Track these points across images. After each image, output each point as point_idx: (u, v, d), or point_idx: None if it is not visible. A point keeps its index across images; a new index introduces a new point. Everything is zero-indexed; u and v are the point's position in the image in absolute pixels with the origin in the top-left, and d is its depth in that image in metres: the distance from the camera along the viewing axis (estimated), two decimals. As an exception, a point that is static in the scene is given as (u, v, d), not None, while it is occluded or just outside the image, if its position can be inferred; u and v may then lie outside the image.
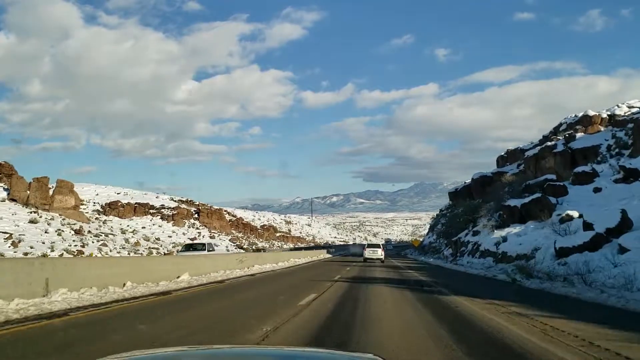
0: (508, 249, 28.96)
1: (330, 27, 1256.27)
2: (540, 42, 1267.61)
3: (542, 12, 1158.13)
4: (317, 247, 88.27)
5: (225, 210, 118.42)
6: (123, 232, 66.90)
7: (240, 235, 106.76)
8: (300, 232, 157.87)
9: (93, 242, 54.90)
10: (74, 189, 62.31)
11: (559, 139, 62.06)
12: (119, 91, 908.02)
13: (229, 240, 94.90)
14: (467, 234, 42.25)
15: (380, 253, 38.24)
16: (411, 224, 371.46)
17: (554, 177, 40.50)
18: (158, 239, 75.83)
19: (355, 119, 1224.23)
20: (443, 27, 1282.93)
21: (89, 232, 58.53)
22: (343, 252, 75.55)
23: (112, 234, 62.16)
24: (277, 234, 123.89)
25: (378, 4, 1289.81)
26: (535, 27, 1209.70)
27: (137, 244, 61.11)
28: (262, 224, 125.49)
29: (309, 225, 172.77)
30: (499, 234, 34.96)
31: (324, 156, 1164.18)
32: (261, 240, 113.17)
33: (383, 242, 75.18)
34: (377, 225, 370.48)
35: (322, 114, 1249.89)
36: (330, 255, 56.15)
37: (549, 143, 63.10)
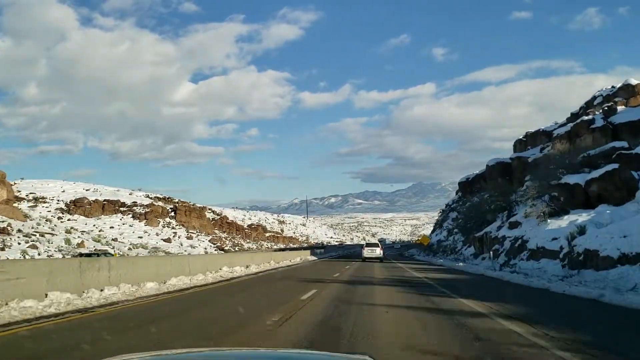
0: (594, 245, 17.06)
1: (327, 27, 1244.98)
2: (538, 41, 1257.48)
3: (539, 10, 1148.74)
4: (303, 247, 76.36)
5: (209, 209, 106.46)
6: (68, 232, 54.81)
7: (224, 235, 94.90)
8: (294, 233, 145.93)
9: (20, 244, 43.14)
10: (5, 179, 50.33)
11: (596, 113, 50.25)
12: (116, 94, 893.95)
13: (209, 241, 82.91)
14: (500, 227, 30.38)
15: (378, 252, 36.99)
16: (410, 224, 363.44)
17: (624, 143, 28.71)
18: (115, 239, 63.81)
19: (353, 120, 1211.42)
20: (440, 26, 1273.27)
21: (19, 231, 46.65)
22: (336, 253, 63.23)
23: (51, 234, 50.11)
24: (267, 234, 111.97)
25: (374, 4, 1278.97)
26: (533, 25, 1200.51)
27: (80, 245, 49.12)
28: (250, 224, 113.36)
29: (304, 225, 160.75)
30: (557, 223, 23.04)
31: (322, 157, 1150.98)
32: (248, 240, 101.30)
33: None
34: (375, 226, 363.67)
35: (320, 114, 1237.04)
36: (314, 258, 43.80)
37: (585, 117, 51.08)
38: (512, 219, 28.50)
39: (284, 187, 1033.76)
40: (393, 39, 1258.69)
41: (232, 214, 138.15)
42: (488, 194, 37.37)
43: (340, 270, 23.86)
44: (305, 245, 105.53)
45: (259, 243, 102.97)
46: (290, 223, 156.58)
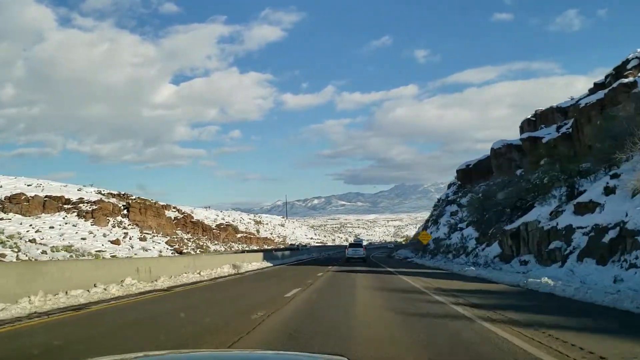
0: None
1: (309, 28, 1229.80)
2: (518, 43, 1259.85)
3: (520, 12, 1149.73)
4: (264, 250, 64.49)
5: (174, 208, 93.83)
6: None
7: (188, 236, 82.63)
8: (271, 233, 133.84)
9: None
10: None
11: (638, 75, 39.34)
12: (95, 95, 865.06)
13: (166, 242, 70.57)
14: (556, 212, 18.90)
15: (362, 252, 37.15)
16: (393, 225, 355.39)
17: None
18: (32, 240, 51.21)
19: (335, 121, 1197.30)
20: (421, 27, 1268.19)
21: None
22: (309, 255, 51.46)
23: None
24: (239, 235, 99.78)
25: (356, 5, 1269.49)
26: (514, 27, 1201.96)
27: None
28: (219, 224, 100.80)
29: (282, 225, 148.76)
30: None
31: (304, 159, 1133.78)
32: (216, 242, 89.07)
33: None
34: (358, 227, 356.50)
35: (303, 116, 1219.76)
36: (268, 264, 31.51)
37: (623, 80, 39.89)
38: (581, 199, 17.17)
39: (266, 189, 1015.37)
40: (375, 40, 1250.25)
41: (203, 214, 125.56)
42: (545, 160, 25.82)
43: (290, 289, 12.39)
44: (282, 246, 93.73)
45: (228, 245, 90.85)
46: (267, 223, 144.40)
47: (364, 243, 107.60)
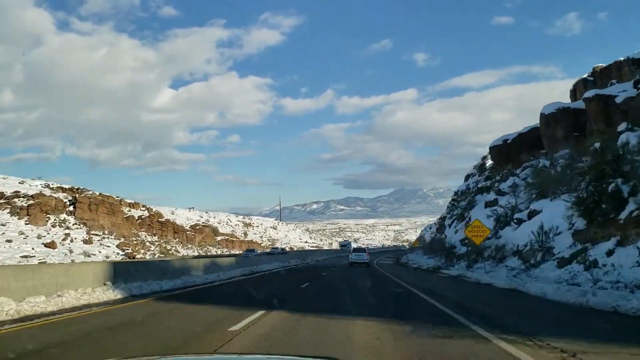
0: None
1: (308, 32, 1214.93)
2: (519, 46, 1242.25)
3: (520, 15, 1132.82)
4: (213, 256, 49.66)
5: (143, 206, 78.77)
6: None
7: (153, 239, 67.81)
8: (261, 237, 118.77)
9: None
10: None
11: None
12: (94, 100, 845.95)
13: (117, 246, 55.60)
14: None
15: (366, 257, 36.17)
16: (392, 230, 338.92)
17: None
18: None
19: (335, 126, 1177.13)
20: (421, 31, 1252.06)
21: None
22: (280, 265, 36.07)
23: None
24: (219, 238, 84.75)
25: (356, 9, 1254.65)
26: (514, 30, 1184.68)
27: None
28: (194, 224, 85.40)
29: (275, 228, 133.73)
30: None
31: (303, 163, 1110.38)
32: (190, 245, 74.18)
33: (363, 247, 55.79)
34: (357, 232, 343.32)
35: (302, 120, 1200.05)
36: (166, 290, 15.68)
37: None
38: None
39: (265, 193, 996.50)
40: (375, 44, 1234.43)
41: (185, 215, 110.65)
42: None
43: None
44: (267, 250, 78.79)
45: (205, 248, 75.99)
46: (258, 226, 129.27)
47: (353, 246, 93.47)
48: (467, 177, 64.66)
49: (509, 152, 38.57)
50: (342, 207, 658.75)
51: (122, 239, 58.19)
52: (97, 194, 65.31)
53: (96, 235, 56.93)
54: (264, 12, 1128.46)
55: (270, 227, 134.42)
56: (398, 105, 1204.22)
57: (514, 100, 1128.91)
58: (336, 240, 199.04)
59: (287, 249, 79.08)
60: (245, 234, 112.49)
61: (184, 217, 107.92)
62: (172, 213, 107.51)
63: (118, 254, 53.60)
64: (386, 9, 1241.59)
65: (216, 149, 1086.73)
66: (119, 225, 61.39)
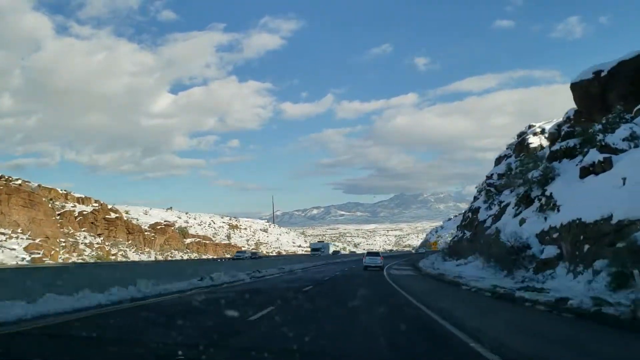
0: None
1: (308, 36, 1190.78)
2: (520, 50, 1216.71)
3: (521, 19, 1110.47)
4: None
5: (95, 202, 62.88)
6: None
7: (96, 240, 52.09)
8: (248, 240, 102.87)
9: None
10: None
11: None
12: (93, 104, 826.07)
13: (25, 248, 39.86)
14: None
15: (379, 261, 35.87)
16: (393, 235, 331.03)
17: None
18: None
19: (335, 130, 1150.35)
20: (422, 35, 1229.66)
21: None
22: (211, 282, 19.74)
23: None
24: (188, 240, 68.83)
25: (356, 12, 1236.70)
26: (515, 34, 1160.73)
27: None
28: (154, 223, 69.18)
29: (265, 231, 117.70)
30: None
31: (303, 168, 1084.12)
32: (148, 249, 58.37)
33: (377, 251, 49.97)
34: (357, 237, 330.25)
35: (302, 125, 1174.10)
36: None
37: None
38: None
39: (266, 198, 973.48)
40: (375, 48, 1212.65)
41: (160, 215, 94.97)
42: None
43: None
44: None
45: (169, 252, 60.24)
46: (246, 228, 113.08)
47: (332, 249, 77.74)
48: (499, 160, 48.96)
49: (605, 92, 22.68)
50: (343, 212, 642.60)
51: (40, 239, 42.28)
52: (7, 178, 48.24)
53: (3, 233, 41.10)
54: (263, 16, 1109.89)
55: (261, 229, 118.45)
56: (398, 109, 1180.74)
57: (515, 104, 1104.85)
58: (335, 245, 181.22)
59: (276, 254, 63.14)
60: (229, 237, 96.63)
61: (158, 217, 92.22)
62: (146, 213, 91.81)
63: (23, 258, 37.76)
64: (387, 13, 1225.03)
65: (216, 154, 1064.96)
66: (40, 221, 45.56)
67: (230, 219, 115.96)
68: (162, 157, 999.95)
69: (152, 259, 52.60)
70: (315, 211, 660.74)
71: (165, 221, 69.19)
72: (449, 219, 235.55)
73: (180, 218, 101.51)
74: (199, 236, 75.79)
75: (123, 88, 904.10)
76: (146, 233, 61.18)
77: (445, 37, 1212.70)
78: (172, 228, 68.41)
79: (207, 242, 73.05)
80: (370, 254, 38.98)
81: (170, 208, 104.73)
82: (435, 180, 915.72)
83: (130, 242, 56.84)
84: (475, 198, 47.02)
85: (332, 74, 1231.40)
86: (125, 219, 59.70)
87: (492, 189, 36.28)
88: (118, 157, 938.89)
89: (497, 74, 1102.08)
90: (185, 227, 76.04)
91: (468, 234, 39.82)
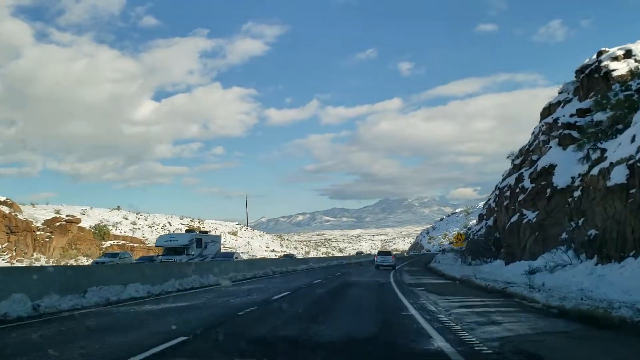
0: None
1: (292, 41, 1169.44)
2: (503, 54, 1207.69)
3: (504, 23, 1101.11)
4: None
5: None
6: None
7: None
8: (237, 247, 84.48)
9: None
10: None
11: None
12: (75, 113, 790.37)
13: None
14: None
15: (391, 260, 35.79)
16: (379, 239, 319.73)
17: None
18: None
19: (319, 136, 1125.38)
20: (407, 39, 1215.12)
21: None
22: None
23: None
24: (107, 243, 50.07)
25: (340, 17, 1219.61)
26: (498, 38, 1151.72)
27: None
28: (51, 218, 49.69)
29: (234, 234, 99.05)
30: None
31: (289, 174, 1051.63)
32: (35, 253, 39.55)
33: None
34: (343, 242, 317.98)
35: (287, 131, 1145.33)
36: None
37: None
38: None
39: (251, 205, 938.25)
40: (360, 53, 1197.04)
41: (102, 216, 75.98)
42: None
43: None
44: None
45: (72, 258, 41.40)
46: (211, 231, 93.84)
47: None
48: (550, 110, 31.48)
49: None
50: (328, 218, 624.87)
51: None
52: None
53: None
54: (247, 22, 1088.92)
55: (229, 232, 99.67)
56: (383, 114, 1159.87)
57: (498, 108, 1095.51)
58: (317, 250, 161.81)
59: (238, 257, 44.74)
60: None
61: (98, 218, 73.13)
62: (83, 213, 72.64)
63: None
64: (371, 18, 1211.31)
65: (200, 162, 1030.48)
66: None
67: (191, 220, 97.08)
68: (145, 165, 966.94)
69: (70, 262, 34.06)
70: (300, 217, 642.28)
71: (68, 216, 49.85)
72: (441, 219, 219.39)
73: (126, 219, 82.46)
74: (125, 238, 56.78)
75: (105, 95, 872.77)
76: (38, 233, 42.41)
77: (429, 42, 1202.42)
78: (77, 225, 49.27)
79: (136, 244, 54.14)
80: (381, 253, 39.41)
81: (118, 208, 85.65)
82: (419, 185, 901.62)
83: (6, 244, 38.13)
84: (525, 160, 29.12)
85: (317, 79, 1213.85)
86: (8, 212, 40.58)
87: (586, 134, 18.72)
88: (101, 166, 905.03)
89: (480, 78, 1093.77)
90: (105, 226, 56.97)
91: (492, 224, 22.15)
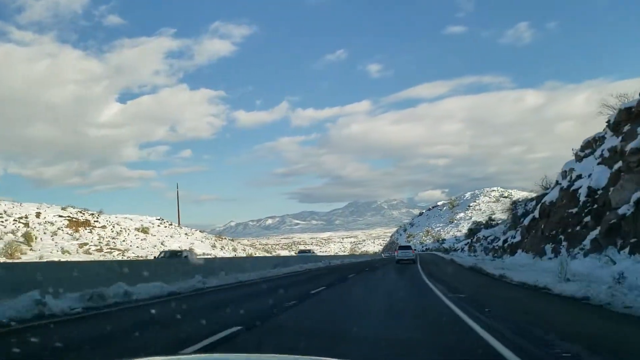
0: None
1: (261, 42, 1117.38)
2: (470, 56, 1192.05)
3: (472, 25, 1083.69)
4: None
5: None
6: None
7: None
8: (131, 245, 66.99)
9: None
10: None
11: None
12: (37, 115, 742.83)
13: None
14: None
15: (412, 254, 36.68)
16: (349, 242, 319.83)
17: None
18: None
19: (289, 139, 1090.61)
20: (376, 40, 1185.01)
21: None
22: None
23: None
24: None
25: (310, 18, 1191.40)
26: (465, 40, 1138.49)
27: None
28: None
29: (145, 231, 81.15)
30: None
31: (258, 178, 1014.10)
32: None
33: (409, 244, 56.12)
34: (312, 245, 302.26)
35: (256, 134, 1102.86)
36: None
37: None
38: None
39: (220, 209, 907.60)
40: (329, 54, 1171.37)
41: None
42: None
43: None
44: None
45: None
46: (129, 231, 76.17)
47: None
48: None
49: None
50: (298, 221, 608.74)
51: None
52: None
53: None
54: (214, 21, 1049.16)
55: (136, 228, 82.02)
56: (352, 117, 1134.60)
57: (465, 110, 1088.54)
58: (280, 252, 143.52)
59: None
60: (113, 241, 60.64)
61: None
62: (38, 216, 55.07)
63: None
64: (341, 19, 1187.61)
65: (167, 165, 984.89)
66: None
67: (80, 212, 79.00)
68: (110, 169, 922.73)
69: None
70: (270, 221, 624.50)
71: None
72: (420, 214, 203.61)
73: (12, 207, 64.44)
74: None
75: (68, 97, 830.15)
76: None
77: (398, 44, 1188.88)
78: None
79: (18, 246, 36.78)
80: (402, 247, 40.58)
81: (69, 206, 67.66)
82: (388, 188, 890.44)
83: None
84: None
85: (287, 80, 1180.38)
86: None
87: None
88: (65, 170, 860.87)
89: (449, 80, 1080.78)
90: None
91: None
